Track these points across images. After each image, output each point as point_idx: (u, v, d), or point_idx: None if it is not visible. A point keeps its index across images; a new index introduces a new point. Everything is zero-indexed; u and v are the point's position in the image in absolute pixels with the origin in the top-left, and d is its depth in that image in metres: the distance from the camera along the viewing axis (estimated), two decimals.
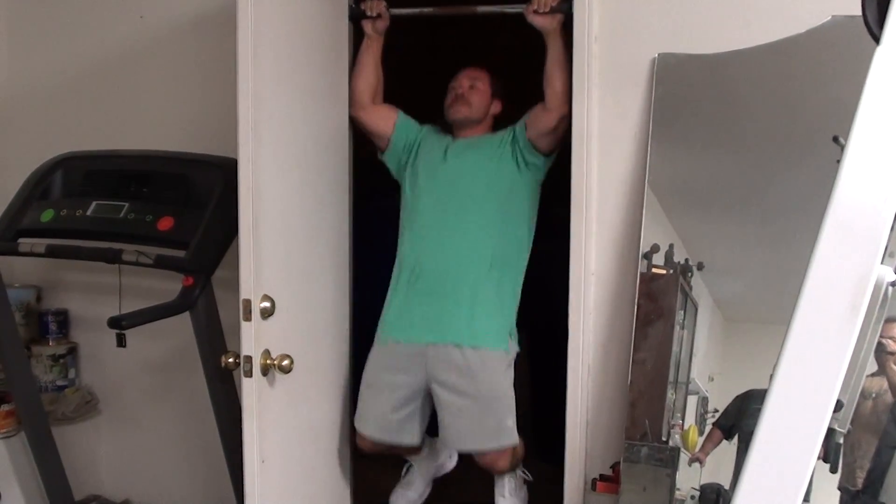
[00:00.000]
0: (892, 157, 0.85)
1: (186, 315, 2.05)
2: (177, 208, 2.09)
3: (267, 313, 1.73)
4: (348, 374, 2.25)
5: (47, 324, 2.63)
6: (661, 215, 2.07)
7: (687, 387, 2.02)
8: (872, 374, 1.75)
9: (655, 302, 2.04)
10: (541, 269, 2.27)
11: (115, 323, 1.95)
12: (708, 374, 2.04)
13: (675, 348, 2.01)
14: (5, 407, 2.35)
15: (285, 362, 1.75)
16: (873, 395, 1.77)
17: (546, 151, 2.19)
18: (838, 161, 0.87)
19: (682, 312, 2.03)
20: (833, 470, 1.73)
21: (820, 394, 0.86)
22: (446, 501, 2.54)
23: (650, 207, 2.06)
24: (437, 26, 2.79)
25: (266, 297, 1.73)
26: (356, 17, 2.27)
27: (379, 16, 2.25)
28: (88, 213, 2.15)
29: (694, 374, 2.02)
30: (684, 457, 1.96)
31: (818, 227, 0.87)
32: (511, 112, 2.30)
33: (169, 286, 2.12)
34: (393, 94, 2.37)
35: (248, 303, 1.69)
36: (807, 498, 0.90)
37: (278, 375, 1.77)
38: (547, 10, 2.10)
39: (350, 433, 2.25)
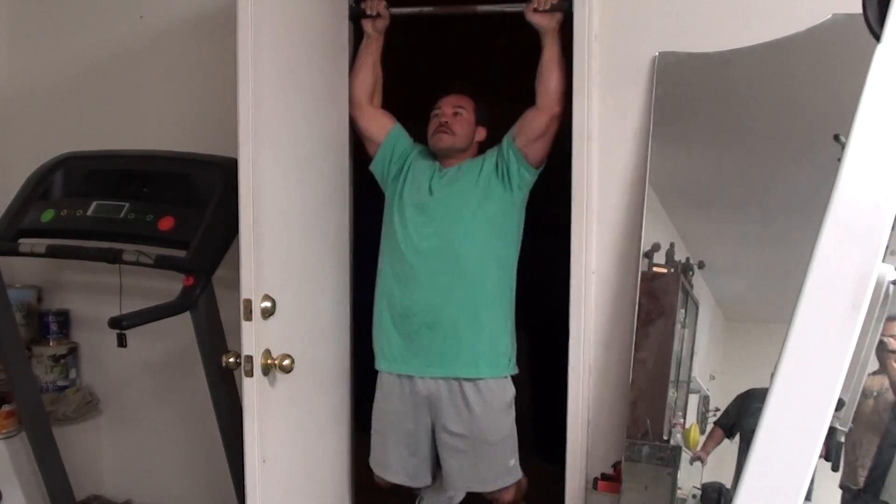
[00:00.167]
0: (892, 156, 0.85)
1: (187, 315, 2.05)
2: (177, 208, 2.09)
3: (268, 313, 1.73)
4: (349, 373, 2.25)
5: (48, 324, 2.63)
6: (662, 214, 2.07)
7: (688, 385, 2.02)
8: (874, 373, 1.75)
9: (656, 301, 2.04)
10: (541, 269, 2.26)
11: (115, 323, 1.95)
12: (709, 373, 2.04)
13: (676, 347, 2.01)
14: (6, 407, 2.35)
15: (286, 362, 1.75)
16: (875, 393, 1.77)
17: (535, 162, 2.14)
18: (839, 159, 0.87)
19: (684, 311, 2.03)
20: (834, 468, 1.73)
21: (821, 392, 0.86)
22: None
23: (651, 206, 2.06)
24: (437, 26, 2.79)
25: (267, 297, 1.73)
26: (356, 17, 2.27)
27: (379, 15, 2.25)
28: (89, 213, 2.15)
29: (695, 372, 2.02)
30: (686, 456, 1.96)
31: (819, 225, 0.87)
32: (496, 137, 2.25)
33: (169, 286, 2.12)
34: (393, 94, 2.36)
35: (248, 302, 1.69)
36: (808, 496, 0.90)
37: (279, 375, 1.77)
38: (547, 7, 2.10)
39: (350, 432, 2.25)
